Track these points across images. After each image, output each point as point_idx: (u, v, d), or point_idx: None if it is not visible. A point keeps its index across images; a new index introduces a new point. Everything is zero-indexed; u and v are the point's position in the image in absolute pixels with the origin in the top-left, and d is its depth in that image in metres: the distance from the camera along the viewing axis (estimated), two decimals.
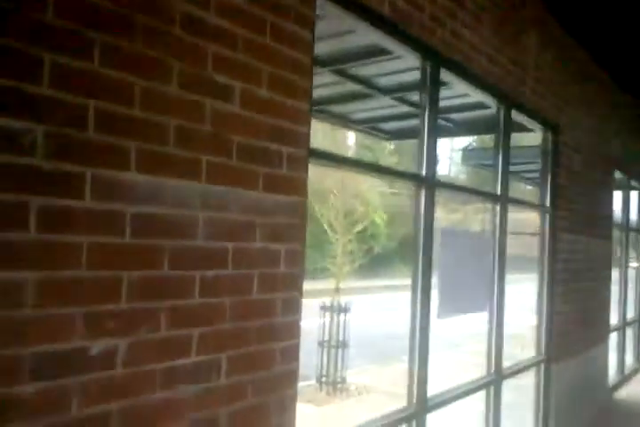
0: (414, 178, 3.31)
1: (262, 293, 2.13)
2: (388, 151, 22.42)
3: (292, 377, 2.26)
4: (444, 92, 4.03)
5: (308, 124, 2.36)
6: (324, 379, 7.29)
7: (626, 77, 6.83)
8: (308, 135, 2.36)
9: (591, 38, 5.37)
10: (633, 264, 8.38)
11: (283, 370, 2.22)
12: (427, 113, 3.35)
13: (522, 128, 5.08)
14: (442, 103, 4.78)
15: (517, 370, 4.51)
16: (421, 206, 3.28)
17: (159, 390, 1.79)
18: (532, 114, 4.70)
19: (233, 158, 2.03)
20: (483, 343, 4.22)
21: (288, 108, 2.25)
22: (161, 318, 1.78)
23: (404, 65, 4.04)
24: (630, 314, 8.00)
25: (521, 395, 5.11)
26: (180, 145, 1.85)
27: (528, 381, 4.94)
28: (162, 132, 1.80)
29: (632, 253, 8.30)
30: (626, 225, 7.59)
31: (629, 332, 8.01)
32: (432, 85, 3.38)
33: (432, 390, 3.30)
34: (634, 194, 8.23)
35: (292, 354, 2.26)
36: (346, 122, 5.93)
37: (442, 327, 5.52)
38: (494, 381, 4.06)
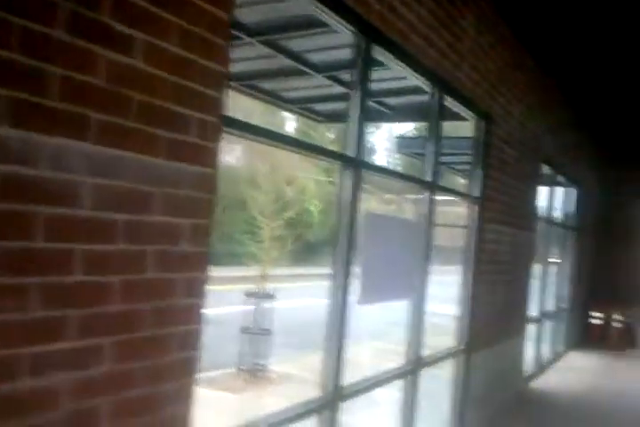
0: (340, 158, 3.17)
1: (159, 272, 1.93)
2: (328, 140, 22.35)
3: (190, 365, 2.08)
4: (378, 74, 3.91)
5: (223, 88, 2.16)
6: (243, 366, 7.14)
7: (559, 74, 6.98)
8: (221, 101, 2.16)
9: (527, 29, 5.39)
10: (554, 259, 8.65)
11: (180, 357, 2.03)
12: (358, 92, 3.21)
13: (456, 117, 5.05)
14: (376, 85, 4.68)
15: (437, 359, 4.51)
16: (346, 188, 3.15)
17: (28, 378, 1.57)
18: (466, 102, 4.66)
19: (130, 119, 1.80)
20: (404, 332, 4.18)
21: (200, 68, 2.04)
22: (30, 296, 1.55)
23: (339, 41, 3.87)
24: (549, 307, 8.28)
25: (439, 384, 5.14)
26: (64, 98, 1.61)
27: (447, 370, 4.97)
28: (43, 80, 1.56)
29: (554, 248, 8.57)
30: (550, 219, 7.80)
31: (547, 324, 8.29)
32: (364, 63, 3.24)
33: (350, 378, 3.21)
34: (559, 190, 8.48)
35: (192, 340, 2.08)
36: (279, 100, 5.73)
37: (365, 315, 5.49)
38: (413, 370, 4.03)
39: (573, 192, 9.19)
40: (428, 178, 4.15)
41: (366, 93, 3.26)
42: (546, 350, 8.29)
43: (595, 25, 5.30)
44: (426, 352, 4.31)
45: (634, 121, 9.56)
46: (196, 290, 2.09)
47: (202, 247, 2.11)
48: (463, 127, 6.11)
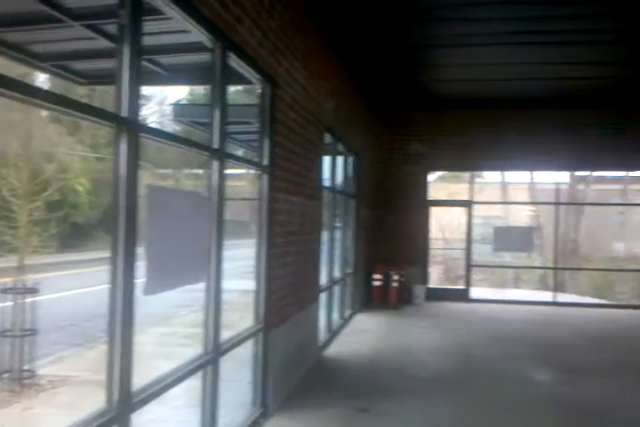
0: (111, 119, 2.67)
1: None
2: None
3: None
4: (152, 26, 3.44)
5: None
6: (7, 375, 6.15)
7: (338, 40, 7.13)
8: None
9: None
10: (339, 227, 9.03)
11: None
12: (128, 47, 2.72)
13: (241, 80, 4.77)
14: (151, 40, 4.16)
15: (236, 342, 4.29)
16: (121, 157, 2.68)
17: None
18: (250, 62, 4.40)
19: None
20: (199, 314, 3.87)
21: None
22: None
23: None
24: (337, 274, 8.64)
25: (239, 364, 4.96)
26: None
27: (247, 348, 4.80)
28: None
29: (338, 216, 8.92)
30: (333, 188, 8.05)
31: (336, 291, 8.67)
32: (134, 10, 2.75)
33: (142, 373, 2.82)
34: (340, 158, 8.80)
35: None
36: (25, 56, 4.82)
37: (152, 299, 5.03)
38: (212, 359, 3.74)
39: (352, 161, 9.65)
40: (216, 144, 3.83)
41: (138, 49, 2.79)
42: (336, 316, 8.68)
43: None
44: (225, 335, 4.06)
45: (407, 91, 10.38)
46: None
47: None
48: (246, 95, 5.89)
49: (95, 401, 2.69)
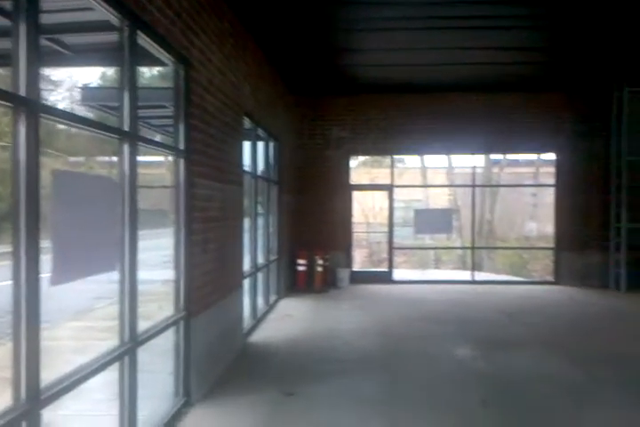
0: (8, 98, 2.50)
1: None
2: None
3: None
4: (50, 4, 3.23)
5: None
6: None
7: (255, 24, 7.01)
8: None
9: None
10: (261, 213, 8.97)
11: None
12: (24, 25, 2.55)
13: (152, 61, 4.60)
14: (51, 18, 3.93)
15: (155, 332, 4.18)
16: (21, 140, 2.52)
17: None
18: (162, 42, 4.25)
19: None
20: (115, 306, 3.74)
21: None
22: None
23: None
24: (260, 259, 8.60)
25: (159, 355, 4.86)
26: None
27: (167, 338, 4.70)
28: None
29: (260, 202, 8.86)
30: (254, 173, 7.98)
31: (260, 276, 8.64)
32: None
33: (54, 372, 2.69)
34: (260, 144, 8.72)
35: None
36: None
37: (69, 291, 4.82)
38: (129, 350, 3.63)
39: (273, 146, 9.59)
40: (126, 128, 3.68)
41: (36, 27, 2.62)
42: (261, 302, 8.66)
43: None
44: (143, 326, 3.95)
45: (326, 75, 10.37)
46: None
47: None
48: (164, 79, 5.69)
49: (1, 399, 2.56)
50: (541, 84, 11.06)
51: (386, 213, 12.56)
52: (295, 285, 11.14)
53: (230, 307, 6.20)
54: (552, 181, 12.26)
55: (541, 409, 4.74)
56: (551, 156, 12.21)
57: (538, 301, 10.21)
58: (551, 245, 12.34)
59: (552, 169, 12.29)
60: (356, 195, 12.46)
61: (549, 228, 12.59)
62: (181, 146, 4.76)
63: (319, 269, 11.05)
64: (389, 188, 12.28)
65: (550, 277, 12.32)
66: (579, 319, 8.55)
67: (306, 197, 11.85)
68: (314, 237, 11.74)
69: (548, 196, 12.58)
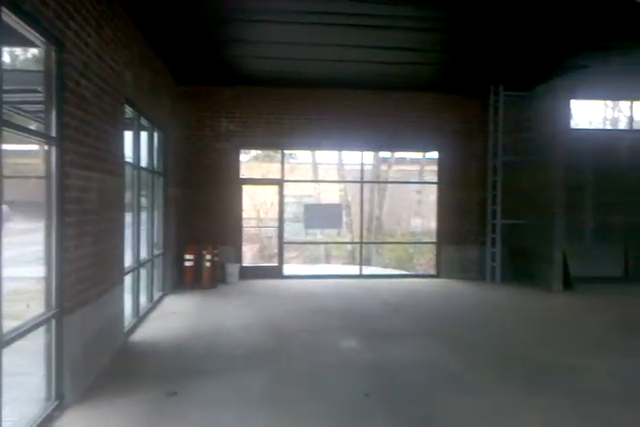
0: None
1: None
2: None
3: None
4: None
5: None
6: None
7: (138, 11, 6.74)
8: None
9: None
10: (145, 206, 8.67)
11: None
12: None
13: (22, 42, 4.30)
14: None
15: (23, 332, 3.92)
16: None
17: None
18: (31, 21, 3.97)
19: None
20: None
21: None
22: None
23: None
24: (144, 254, 8.31)
25: (31, 356, 4.57)
26: None
27: (39, 338, 4.43)
28: None
29: (144, 195, 8.56)
30: (137, 165, 7.69)
31: (143, 273, 8.35)
32: None
33: None
34: (144, 133, 8.41)
35: None
36: None
37: None
38: None
39: (157, 136, 9.29)
40: None
41: None
42: (144, 299, 8.38)
43: None
44: (9, 325, 3.69)
45: (213, 66, 10.19)
46: None
47: None
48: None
49: None
50: (426, 84, 11.56)
51: (277, 207, 12.60)
52: (182, 281, 10.90)
53: (109, 304, 5.94)
54: (435, 178, 12.88)
55: (421, 397, 4.97)
56: (434, 154, 12.82)
57: (421, 293, 10.70)
58: (434, 239, 12.97)
59: (435, 167, 12.90)
60: (246, 189, 12.38)
61: (433, 223, 13.21)
62: (53, 133, 4.48)
63: (207, 264, 10.87)
64: (279, 182, 12.33)
65: (433, 271, 12.94)
66: (458, 310, 9.05)
67: (194, 191, 11.61)
68: (203, 232, 11.54)
69: (432, 193, 13.20)
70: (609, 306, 9.57)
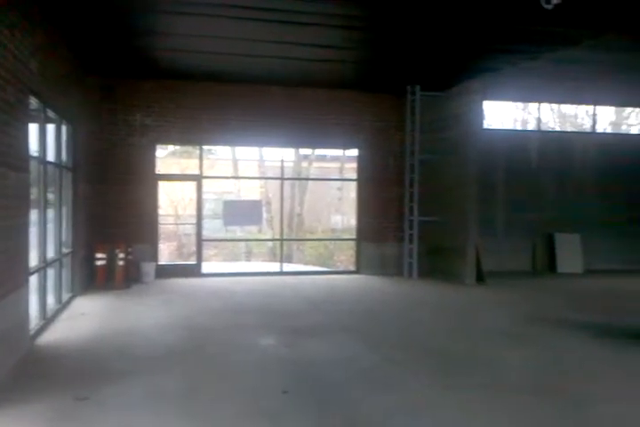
0: None
1: None
2: None
3: None
4: None
5: None
6: None
7: None
8: None
9: None
10: (52, 202, 8.28)
11: None
12: None
13: None
14: None
15: None
16: None
17: None
18: None
19: None
20: None
21: None
22: None
23: None
24: (51, 254, 7.93)
25: None
26: None
27: None
28: None
29: (51, 191, 8.17)
30: (44, 159, 7.33)
31: (51, 273, 7.97)
32: None
33: None
34: (51, 126, 8.03)
35: None
36: None
37: None
38: None
39: (66, 129, 8.89)
40: None
41: None
42: (51, 300, 8.01)
43: None
44: None
45: (128, 58, 9.86)
46: None
47: None
48: None
49: None
50: (347, 82, 11.71)
51: (196, 204, 12.37)
52: (94, 281, 10.49)
53: (12, 306, 5.62)
54: (355, 176, 13.07)
55: (339, 393, 5.03)
56: (354, 152, 13.01)
57: (340, 289, 10.84)
58: (354, 236, 13.17)
59: (355, 165, 13.09)
60: (164, 186, 12.09)
61: (353, 220, 13.41)
62: None
63: (121, 263, 10.52)
64: (198, 178, 12.11)
65: (353, 267, 13.14)
66: (376, 305, 9.24)
67: (108, 187, 11.20)
68: (116, 230, 11.16)
69: (352, 190, 13.40)
70: (518, 299, 10.07)
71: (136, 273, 11.05)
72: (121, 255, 10.54)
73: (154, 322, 7.69)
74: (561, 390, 5.13)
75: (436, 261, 12.44)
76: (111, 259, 10.55)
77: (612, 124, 16.24)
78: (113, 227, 11.16)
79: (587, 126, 15.23)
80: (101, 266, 10.49)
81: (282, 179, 13.07)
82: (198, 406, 4.65)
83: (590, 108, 14.94)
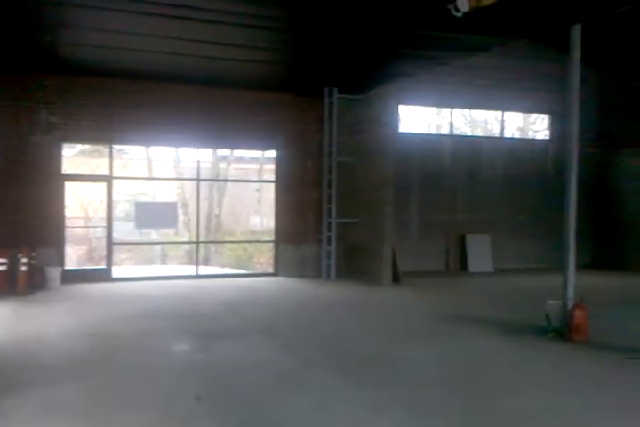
0: None
1: None
2: None
3: None
4: None
5: None
6: None
7: None
8: None
9: None
10: None
11: None
12: None
13: None
14: None
15: None
16: None
17: None
18: None
19: None
20: None
21: None
22: None
23: None
24: None
25: None
26: None
27: None
28: None
29: None
30: None
31: None
32: None
33: None
34: None
35: None
36: None
37: None
38: None
39: None
40: None
41: None
42: None
43: None
44: None
45: (29, 52, 9.39)
46: None
47: None
48: None
49: None
50: (265, 83, 11.67)
51: (106, 206, 11.93)
52: None
53: None
54: (274, 177, 13.05)
55: (254, 396, 4.99)
56: (273, 153, 12.99)
57: (258, 292, 10.79)
58: (273, 238, 13.14)
59: (274, 166, 13.07)
60: (73, 187, 11.58)
61: (272, 222, 13.38)
62: None
63: (23, 268, 9.97)
64: (108, 179, 11.69)
65: (272, 269, 13.11)
66: (293, 307, 9.26)
67: (8, 188, 10.60)
68: (19, 233, 10.57)
69: (271, 192, 13.37)
70: (431, 298, 10.39)
71: (40, 279, 10.51)
72: (24, 260, 9.99)
73: (59, 330, 7.34)
74: (467, 385, 5.33)
75: (355, 262, 12.62)
76: (13, 264, 9.99)
77: (519, 129, 17.08)
78: (15, 230, 10.56)
79: (496, 131, 15.95)
80: (2, 272, 9.92)
81: (198, 180, 12.86)
82: (108, 417, 4.48)
83: (499, 113, 15.65)
